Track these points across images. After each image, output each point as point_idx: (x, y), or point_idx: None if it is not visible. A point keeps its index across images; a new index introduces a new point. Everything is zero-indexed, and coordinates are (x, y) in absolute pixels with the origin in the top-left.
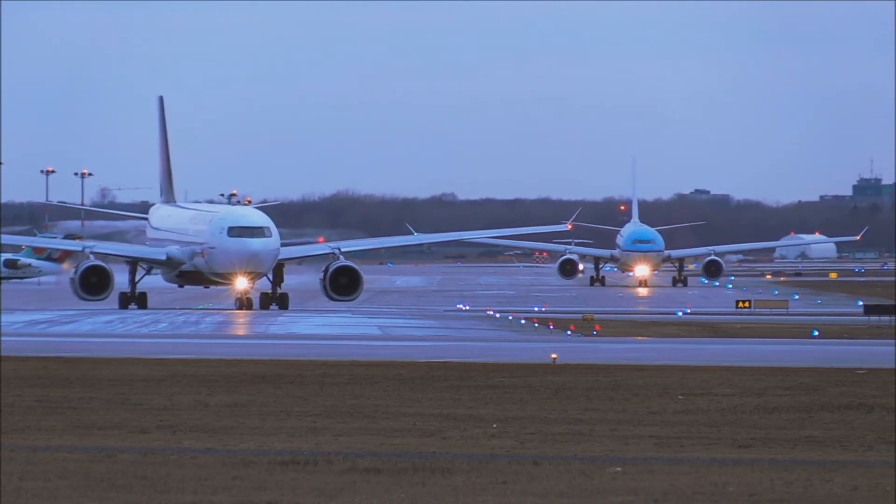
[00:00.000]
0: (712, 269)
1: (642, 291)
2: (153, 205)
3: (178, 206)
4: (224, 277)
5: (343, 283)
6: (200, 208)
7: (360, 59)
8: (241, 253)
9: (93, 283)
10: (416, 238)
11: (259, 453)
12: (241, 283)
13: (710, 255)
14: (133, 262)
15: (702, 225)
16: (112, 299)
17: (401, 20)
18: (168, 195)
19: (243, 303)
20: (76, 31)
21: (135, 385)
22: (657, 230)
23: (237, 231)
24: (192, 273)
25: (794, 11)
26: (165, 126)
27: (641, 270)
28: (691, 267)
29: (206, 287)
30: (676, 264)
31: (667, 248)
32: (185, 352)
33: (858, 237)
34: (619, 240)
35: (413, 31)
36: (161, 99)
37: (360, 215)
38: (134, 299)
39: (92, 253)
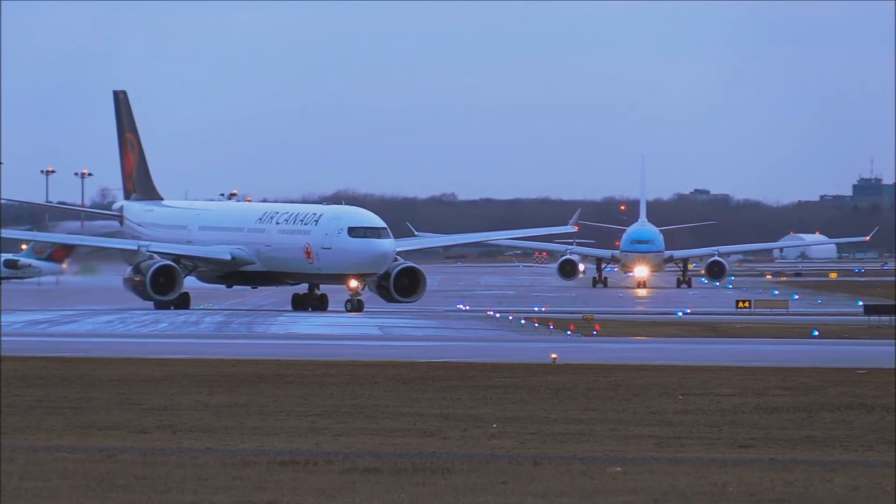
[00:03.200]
0: (716, 270)
1: (641, 292)
2: (120, 203)
3: (189, 205)
4: (335, 279)
5: (404, 284)
6: (268, 207)
7: (361, 59)
8: (367, 254)
9: (161, 283)
10: (449, 239)
11: (259, 453)
12: (353, 283)
13: (713, 255)
14: (175, 261)
15: (709, 225)
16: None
17: (401, 20)
18: (150, 193)
19: (355, 304)
20: (77, 31)
21: (135, 385)
22: (663, 230)
23: (361, 232)
24: (249, 273)
25: (794, 11)
26: (134, 121)
27: (640, 271)
28: (691, 267)
29: (253, 287)
30: (680, 265)
31: (669, 249)
32: (185, 352)
33: (868, 238)
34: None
35: (413, 31)
36: (121, 93)
37: None
38: (174, 300)
39: (154, 252)
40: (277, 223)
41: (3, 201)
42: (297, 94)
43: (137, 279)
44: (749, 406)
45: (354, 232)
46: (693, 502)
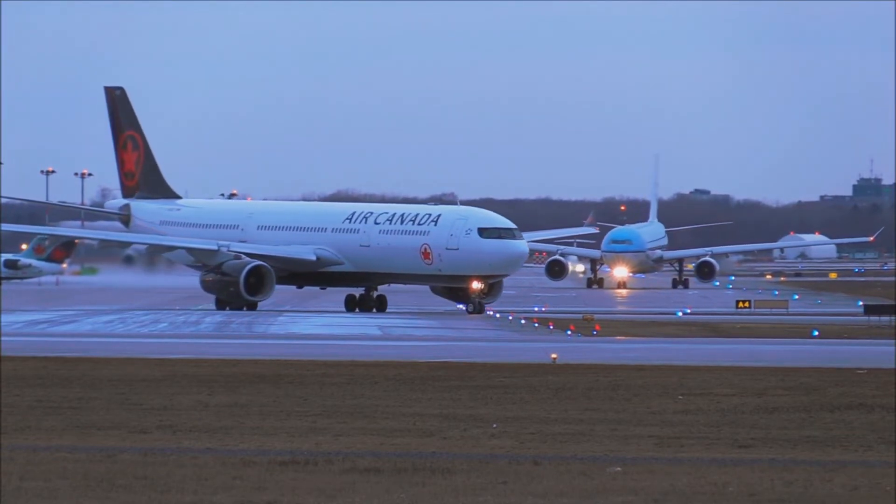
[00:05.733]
0: (706, 271)
1: (622, 293)
2: (122, 202)
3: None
4: (456, 280)
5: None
6: (355, 206)
7: (361, 58)
8: (503, 255)
9: (251, 283)
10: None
11: (259, 453)
12: (476, 285)
13: (705, 255)
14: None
15: (709, 226)
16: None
17: (401, 20)
18: (162, 191)
19: (476, 306)
20: (77, 30)
21: (135, 385)
22: (674, 230)
23: (494, 233)
24: (334, 274)
25: (794, 11)
26: (136, 118)
27: (619, 271)
28: (689, 267)
29: (322, 289)
30: (676, 265)
31: (667, 249)
32: (185, 352)
33: (872, 238)
34: None
35: (413, 30)
36: (118, 90)
37: None
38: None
39: (241, 253)
40: (376, 223)
41: (5, 200)
42: (296, 94)
43: (224, 279)
44: (749, 406)
45: (487, 233)
46: (693, 502)
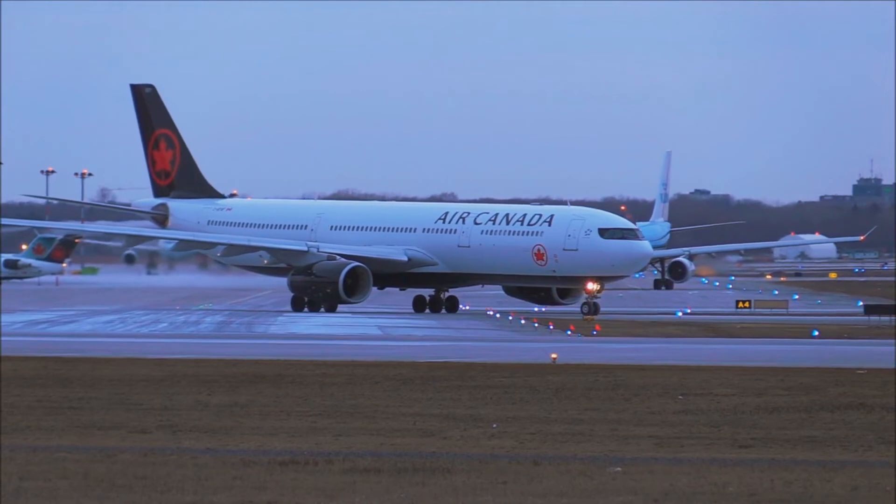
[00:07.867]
0: (678, 271)
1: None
2: (156, 202)
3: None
4: (570, 281)
5: (567, 290)
6: (447, 206)
7: (361, 58)
8: (628, 256)
9: (348, 284)
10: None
11: (259, 453)
12: (592, 286)
13: (681, 255)
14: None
15: (708, 226)
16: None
17: (402, 19)
18: (203, 190)
19: (592, 307)
20: (77, 30)
21: (135, 385)
22: (686, 229)
23: (617, 233)
24: (425, 275)
25: (794, 11)
26: (169, 116)
27: None
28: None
29: (402, 290)
30: (658, 265)
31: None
32: (185, 352)
33: (862, 238)
34: None
35: (414, 30)
36: (148, 87)
37: None
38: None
39: (335, 254)
40: (476, 223)
41: (19, 199)
42: (297, 94)
43: (318, 280)
44: (749, 406)
45: (608, 233)
46: (693, 502)
